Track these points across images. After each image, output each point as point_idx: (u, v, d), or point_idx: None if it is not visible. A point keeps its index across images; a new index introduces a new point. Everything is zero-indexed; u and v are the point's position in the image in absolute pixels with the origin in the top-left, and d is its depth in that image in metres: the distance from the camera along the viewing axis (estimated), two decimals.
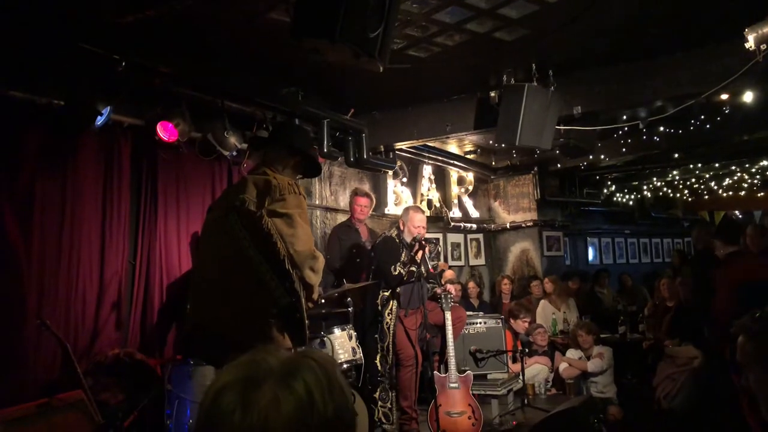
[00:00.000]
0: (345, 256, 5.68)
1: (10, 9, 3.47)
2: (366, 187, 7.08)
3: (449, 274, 7.64)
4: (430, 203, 8.05)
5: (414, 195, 7.82)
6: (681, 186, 11.18)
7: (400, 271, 5.04)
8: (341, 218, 6.32)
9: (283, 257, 3.16)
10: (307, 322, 3.33)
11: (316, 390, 0.99)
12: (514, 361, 6.18)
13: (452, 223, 8.42)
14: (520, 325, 6.64)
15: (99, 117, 4.03)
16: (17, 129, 3.92)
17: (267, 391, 0.97)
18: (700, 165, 9.36)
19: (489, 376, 5.77)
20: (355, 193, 5.95)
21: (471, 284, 7.96)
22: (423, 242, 5.06)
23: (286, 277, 3.19)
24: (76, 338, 4.09)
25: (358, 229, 5.79)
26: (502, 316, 6.33)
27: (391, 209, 7.26)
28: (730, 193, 11.31)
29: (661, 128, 6.93)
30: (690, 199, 12.35)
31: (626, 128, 6.24)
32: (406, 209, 5.49)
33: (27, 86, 3.83)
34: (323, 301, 4.56)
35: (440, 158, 7.62)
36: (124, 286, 4.45)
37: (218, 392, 0.99)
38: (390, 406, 5.05)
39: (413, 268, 5.03)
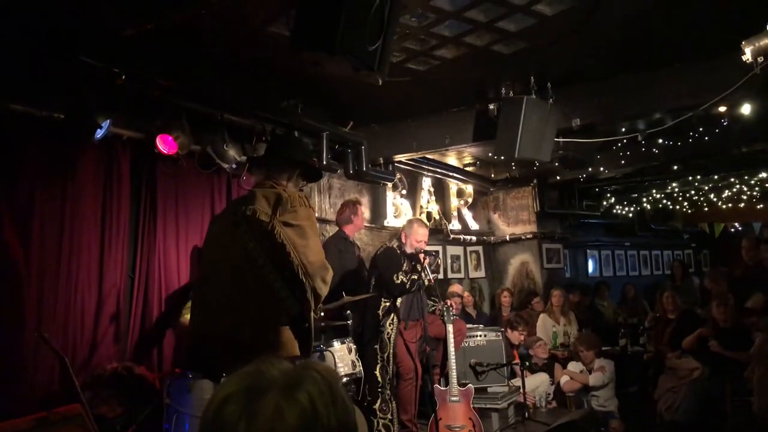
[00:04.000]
0: (347, 270, 5.64)
1: (11, 22, 3.49)
2: (365, 199, 7.08)
3: (457, 288, 7.57)
4: (429, 215, 8.04)
5: (413, 207, 7.82)
6: (680, 198, 11.17)
7: (402, 280, 5.03)
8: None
9: (297, 267, 3.18)
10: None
11: (319, 401, 0.98)
12: (513, 375, 6.15)
13: (452, 236, 8.40)
14: (516, 336, 6.59)
15: (98, 130, 4.03)
16: (17, 142, 3.92)
17: (270, 402, 0.96)
18: (699, 177, 9.36)
19: (489, 389, 5.73)
20: (359, 203, 5.94)
21: (466, 294, 7.91)
22: (423, 254, 5.06)
23: (298, 286, 3.21)
24: (74, 351, 4.07)
25: (353, 242, 5.78)
26: (503, 329, 6.30)
27: (391, 221, 7.25)
28: (730, 205, 11.31)
29: (660, 140, 6.94)
30: (689, 211, 12.34)
31: (625, 140, 6.25)
32: (410, 221, 5.49)
33: (27, 99, 3.83)
34: (323, 314, 4.54)
35: (439, 170, 7.63)
36: (123, 299, 4.44)
37: (221, 403, 0.99)
38: (391, 417, 5.02)
39: (414, 277, 5.03)
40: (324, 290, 3.33)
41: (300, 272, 3.20)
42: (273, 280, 3.21)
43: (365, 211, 6.94)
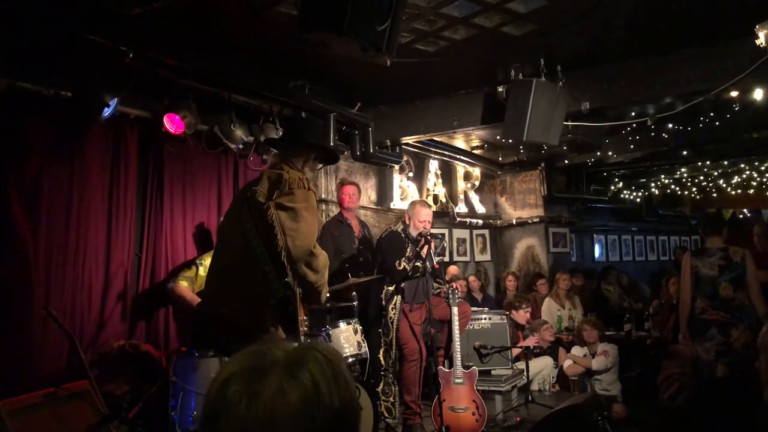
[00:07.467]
0: (348, 252, 5.65)
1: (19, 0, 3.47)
2: (372, 181, 7.07)
3: (453, 270, 7.62)
4: (436, 198, 8.03)
5: (420, 190, 7.80)
6: (689, 183, 11.11)
7: (404, 267, 5.03)
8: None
9: (281, 250, 3.20)
10: (304, 318, 3.38)
11: (321, 381, 1.00)
12: (517, 358, 6.17)
13: (458, 219, 8.39)
14: (522, 316, 6.60)
15: (106, 109, 4.03)
16: (25, 120, 3.92)
17: (273, 382, 0.97)
18: (708, 163, 9.29)
19: (493, 372, 5.76)
20: (342, 183, 5.98)
21: (472, 278, 7.93)
22: (429, 237, 5.06)
23: (283, 269, 3.23)
24: (82, 329, 4.10)
25: (350, 224, 5.76)
26: (507, 312, 6.32)
27: (397, 204, 7.25)
28: (739, 191, 11.23)
29: (670, 125, 6.88)
30: (698, 197, 12.28)
31: (634, 125, 6.20)
32: (413, 203, 5.48)
33: (34, 77, 3.82)
34: (328, 295, 4.56)
35: (447, 153, 7.60)
36: (130, 278, 4.47)
37: (224, 382, 1.00)
38: (393, 400, 5.06)
39: (418, 263, 5.03)
40: (313, 277, 3.33)
41: (283, 256, 3.22)
42: (264, 262, 3.25)
43: (371, 193, 6.96)
